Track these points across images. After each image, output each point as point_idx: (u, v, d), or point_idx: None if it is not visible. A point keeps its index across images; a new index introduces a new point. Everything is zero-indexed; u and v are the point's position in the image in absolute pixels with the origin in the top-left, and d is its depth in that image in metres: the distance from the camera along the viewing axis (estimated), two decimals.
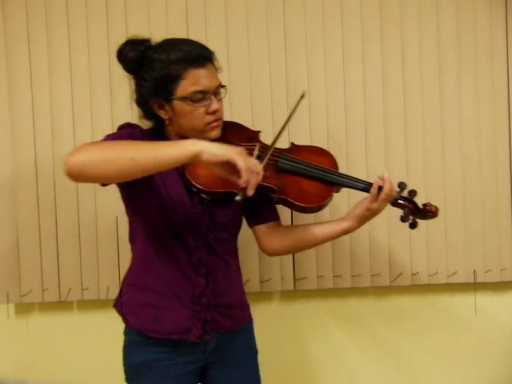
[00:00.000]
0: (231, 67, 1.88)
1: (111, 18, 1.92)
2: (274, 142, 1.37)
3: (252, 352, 1.53)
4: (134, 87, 1.37)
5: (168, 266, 1.38)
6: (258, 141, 1.44)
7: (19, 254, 1.92)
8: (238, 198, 1.17)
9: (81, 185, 1.91)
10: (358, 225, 1.41)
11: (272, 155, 1.36)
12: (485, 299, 2.05)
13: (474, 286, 2.03)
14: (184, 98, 1.29)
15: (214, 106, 1.31)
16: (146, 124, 1.42)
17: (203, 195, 1.35)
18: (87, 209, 1.92)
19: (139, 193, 1.34)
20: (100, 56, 1.91)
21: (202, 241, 1.38)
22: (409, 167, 1.97)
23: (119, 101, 1.92)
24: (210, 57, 1.33)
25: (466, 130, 1.99)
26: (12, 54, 1.91)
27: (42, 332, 2.00)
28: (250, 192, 1.16)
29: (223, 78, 1.39)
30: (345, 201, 1.88)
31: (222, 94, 1.35)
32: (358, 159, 1.94)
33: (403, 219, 1.41)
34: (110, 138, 1.32)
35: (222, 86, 1.35)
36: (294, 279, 1.98)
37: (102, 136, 1.88)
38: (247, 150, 1.32)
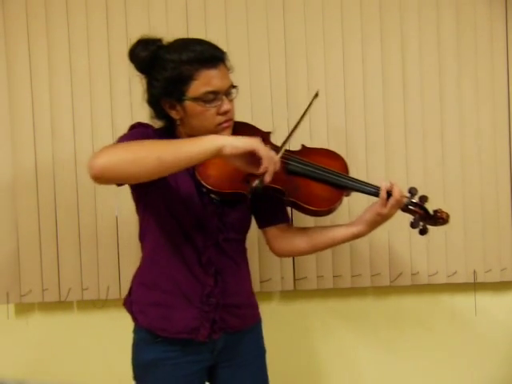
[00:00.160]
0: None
1: (111, 18, 1.92)
2: (285, 142, 1.36)
3: (260, 352, 1.53)
4: (145, 87, 1.37)
5: (177, 265, 1.38)
6: (269, 142, 1.44)
7: (19, 254, 1.92)
8: (256, 184, 1.18)
9: (80, 184, 1.91)
10: (368, 229, 1.40)
11: (282, 157, 1.35)
12: (485, 299, 2.05)
13: (474, 286, 2.03)
14: (195, 99, 1.29)
15: (226, 106, 1.31)
16: (157, 124, 1.41)
17: (213, 195, 1.35)
18: (87, 209, 1.92)
19: (151, 192, 1.35)
20: (100, 56, 1.92)
21: (211, 241, 1.39)
22: (409, 167, 1.97)
23: (119, 101, 1.92)
24: (222, 57, 1.33)
25: (466, 129, 1.99)
26: (12, 54, 1.91)
27: (42, 332, 2.00)
28: (268, 178, 1.17)
29: None
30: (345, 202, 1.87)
31: (234, 95, 1.35)
32: (357, 159, 1.94)
33: (413, 225, 1.39)
34: (125, 138, 1.32)
35: (234, 87, 1.35)
36: (294, 279, 1.98)
37: (101, 136, 1.91)
38: None
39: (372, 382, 2.08)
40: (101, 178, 1.16)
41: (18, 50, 1.91)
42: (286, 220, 1.51)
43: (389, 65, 1.97)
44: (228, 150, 1.14)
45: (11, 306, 1.99)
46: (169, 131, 1.40)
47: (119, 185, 1.32)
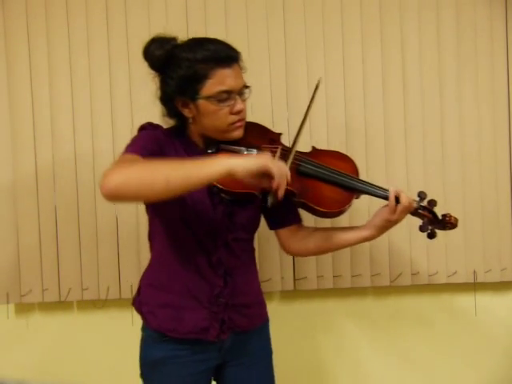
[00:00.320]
0: None
1: (111, 18, 1.92)
2: (295, 143, 1.36)
3: (267, 352, 1.53)
4: (158, 85, 1.37)
5: (186, 266, 1.38)
6: (280, 143, 1.44)
7: (19, 254, 1.92)
8: (269, 202, 1.20)
9: (80, 184, 1.92)
10: (378, 234, 1.41)
11: (294, 158, 1.35)
12: (485, 299, 2.06)
13: (474, 286, 2.03)
14: (209, 98, 1.29)
15: (239, 106, 1.31)
16: (168, 122, 1.41)
17: (224, 195, 1.35)
18: (87, 209, 1.92)
19: None
20: (100, 56, 1.92)
21: (221, 241, 1.39)
22: (409, 167, 1.97)
23: (119, 101, 1.92)
24: (236, 57, 1.33)
25: (466, 129, 1.99)
26: (12, 54, 1.91)
27: (42, 332, 2.00)
28: (281, 194, 1.18)
29: None
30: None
31: (246, 95, 1.35)
32: (357, 159, 1.89)
33: (422, 229, 1.39)
34: (137, 142, 1.31)
35: (247, 87, 1.35)
36: (294, 279, 1.98)
37: (101, 136, 1.91)
38: (269, 152, 1.33)
39: (372, 382, 2.08)
40: (111, 198, 1.17)
41: (18, 50, 1.91)
42: (297, 221, 1.51)
43: (389, 65, 1.97)
44: (239, 173, 1.14)
45: (11, 306, 1.99)
46: (179, 130, 1.40)
47: None
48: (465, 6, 1.98)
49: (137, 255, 1.93)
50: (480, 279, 2.00)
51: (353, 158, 1.49)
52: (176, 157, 1.33)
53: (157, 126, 1.40)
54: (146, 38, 1.87)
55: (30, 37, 1.91)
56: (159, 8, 1.92)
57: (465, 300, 2.06)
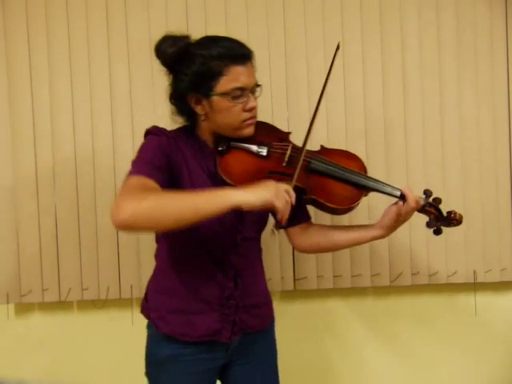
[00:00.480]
0: None
1: (111, 18, 1.92)
2: (306, 140, 1.38)
3: (273, 352, 1.54)
4: (170, 82, 1.37)
5: (195, 269, 1.38)
6: (289, 141, 1.45)
7: (19, 254, 1.92)
8: (276, 231, 1.23)
9: (80, 184, 1.92)
10: (388, 233, 1.44)
11: (305, 155, 1.38)
12: (485, 299, 2.06)
13: (474, 286, 2.03)
14: (223, 94, 1.30)
15: (252, 103, 1.33)
16: (177, 121, 1.41)
17: None
18: (87, 209, 1.92)
19: None
20: (100, 56, 1.92)
21: (230, 242, 1.38)
22: (409, 167, 1.97)
23: (119, 101, 1.92)
24: (250, 55, 1.34)
25: (466, 129, 1.99)
26: (12, 53, 1.91)
27: (42, 332, 2.00)
28: (284, 220, 1.21)
29: None
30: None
31: (258, 93, 1.36)
32: None
33: (429, 225, 1.42)
34: (143, 158, 1.29)
35: (258, 85, 1.36)
36: (294, 279, 1.98)
37: (101, 136, 1.91)
38: (280, 149, 1.37)
39: (371, 382, 2.08)
40: (123, 230, 1.19)
41: (18, 50, 1.91)
42: (306, 219, 1.53)
43: (389, 65, 1.97)
44: (245, 208, 1.16)
45: (11, 306, 1.99)
46: (187, 130, 1.40)
47: None
48: (465, 6, 1.98)
49: (137, 255, 1.93)
50: (480, 279, 2.00)
51: None
52: (183, 161, 1.33)
53: (162, 130, 1.38)
54: (145, 37, 1.90)
55: (30, 37, 1.91)
56: (159, 8, 1.92)
57: (465, 300, 2.06)
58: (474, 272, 2.00)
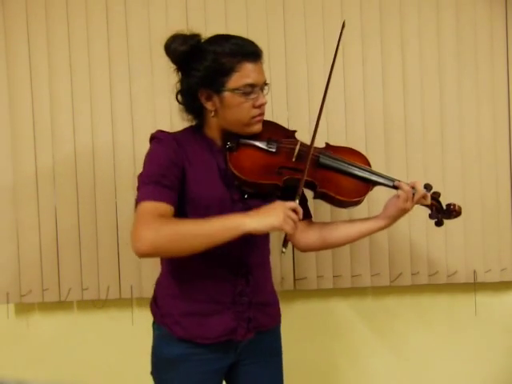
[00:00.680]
0: None
1: (111, 18, 1.92)
2: (314, 134, 1.39)
3: (278, 352, 1.54)
4: (180, 78, 1.37)
5: (206, 270, 1.38)
6: (294, 138, 1.47)
7: (19, 254, 1.92)
8: (284, 251, 1.28)
9: (80, 184, 1.92)
10: (391, 223, 1.47)
11: (314, 151, 1.41)
12: (485, 299, 2.06)
13: (474, 286, 2.04)
14: (235, 90, 1.31)
15: (262, 99, 1.35)
16: (185, 118, 1.42)
17: (246, 188, 1.37)
18: (87, 209, 1.92)
19: (183, 205, 1.34)
20: (100, 56, 1.92)
21: (241, 238, 1.36)
22: (409, 167, 1.97)
23: (119, 100, 1.92)
24: (260, 54, 1.37)
25: (465, 129, 1.99)
26: (12, 53, 1.91)
27: (42, 332, 2.01)
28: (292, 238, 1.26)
29: None
30: None
31: (266, 91, 1.38)
32: None
33: (431, 217, 1.48)
34: (151, 173, 1.30)
35: (266, 84, 1.38)
36: (294, 279, 1.98)
37: (101, 136, 1.91)
38: (289, 145, 1.40)
39: (371, 381, 2.08)
40: (143, 257, 1.25)
41: (18, 50, 1.91)
42: (309, 216, 1.54)
43: (389, 65, 1.97)
44: (255, 233, 1.23)
45: (11, 306, 1.99)
46: (194, 129, 1.40)
47: None
48: (465, 6, 1.98)
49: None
50: (480, 279, 2.00)
51: None
52: (191, 161, 1.34)
53: (167, 134, 1.37)
54: (145, 37, 1.90)
55: (30, 37, 1.91)
56: (159, 8, 1.92)
57: (465, 300, 2.06)
58: (474, 272, 2.00)
